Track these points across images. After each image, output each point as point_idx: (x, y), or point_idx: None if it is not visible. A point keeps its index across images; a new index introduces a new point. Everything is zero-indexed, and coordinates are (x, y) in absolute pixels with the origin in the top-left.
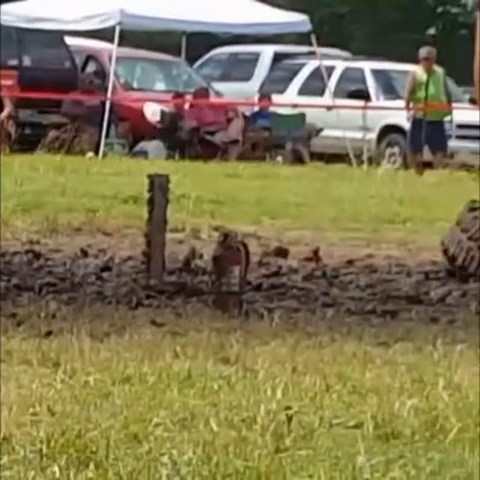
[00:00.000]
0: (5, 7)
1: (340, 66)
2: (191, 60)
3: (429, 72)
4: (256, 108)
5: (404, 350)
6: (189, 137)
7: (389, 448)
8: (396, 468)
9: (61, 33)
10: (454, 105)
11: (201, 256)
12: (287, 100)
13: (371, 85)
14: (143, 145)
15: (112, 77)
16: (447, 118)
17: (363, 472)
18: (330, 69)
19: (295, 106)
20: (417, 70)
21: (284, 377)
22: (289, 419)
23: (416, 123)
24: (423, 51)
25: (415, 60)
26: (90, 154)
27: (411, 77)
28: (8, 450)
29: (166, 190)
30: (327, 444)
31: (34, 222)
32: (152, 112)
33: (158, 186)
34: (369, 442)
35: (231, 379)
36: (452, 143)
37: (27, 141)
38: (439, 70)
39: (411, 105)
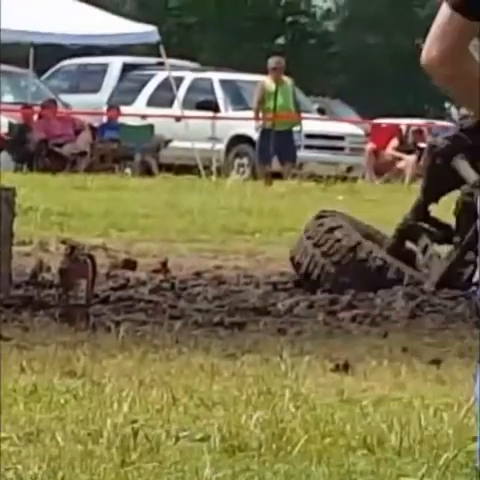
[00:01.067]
0: None
1: (189, 77)
2: (39, 72)
3: (278, 82)
4: (104, 119)
5: (252, 362)
6: (37, 149)
7: (236, 461)
8: None
9: None
10: (303, 115)
11: (48, 269)
12: (136, 111)
13: (220, 96)
14: None
15: None
16: (296, 128)
17: None
18: (179, 80)
19: (144, 117)
20: (266, 80)
21: (131, 390)
22: (135, 433)
23: (265, 133)
24: (272, 61)
25: (265, 70)
26: None
27: (260, 87)
28: None
29: (12, 203)
30: (173, 457)
31: None
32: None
33: (4, 199)
34: (215, 455)
35: (78, 393)
36: (301, 153)
37: None
38: (288, 80)
39: (260, 115)
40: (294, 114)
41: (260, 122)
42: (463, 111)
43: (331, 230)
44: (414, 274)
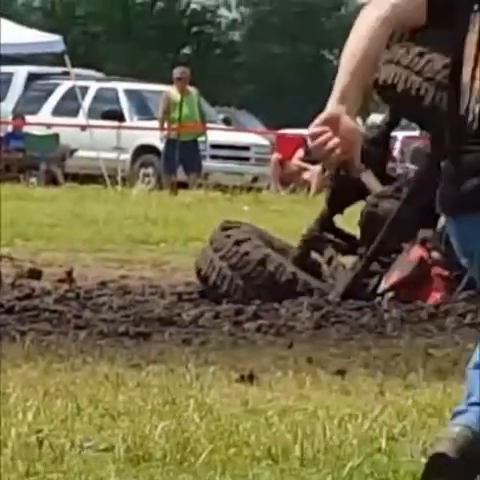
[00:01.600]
0: None
1: (94, 86)
2: None
3: (183, 92)
4: (10, 129)
5: (157, 372)
6: None
7: (140, 471)
8: None
9: None
10: (208, 125)
11: None
12: (41, 121)
13: (125, 105)
14: None
15: None
16: (201, 138)
17: None
18: (84, 89)
19: (49, 127)
20: (171, 90)
21: (36, 400)
22: (40, 442)
23: (170, 143)
24: (176, 71)
25: (170, 80)
26: None
27: (165, 97)
28: None
29: None
30: (78, 467)
31: None
32: None
33: None
34: (120, 465)
35: None
36: (207, 163)
37: None
38: (193, 90)
39: (165, 125)
40: (199, 124)
41: (165, 132)
42: (369, 122)
43: (238, 243)
44: (319, 285)
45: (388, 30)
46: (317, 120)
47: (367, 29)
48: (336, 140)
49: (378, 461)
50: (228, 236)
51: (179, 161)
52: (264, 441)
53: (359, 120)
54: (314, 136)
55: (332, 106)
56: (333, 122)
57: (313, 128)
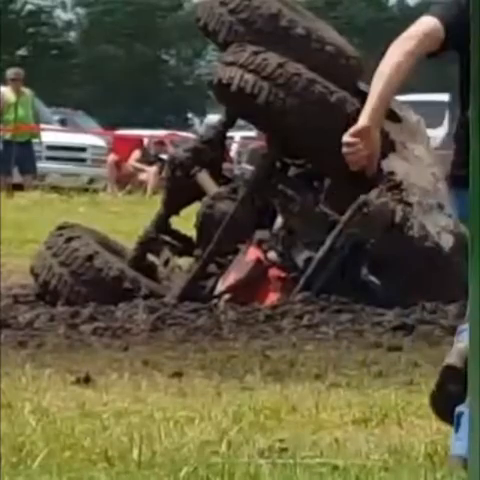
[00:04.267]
0: None
1: None
2: None
3: (17, 93)
4: None
5: None
6: None
7: None
8: None
9: None
10: (44, 126)
11: None
12: None
13: None
14: None
15: None
16: (35, 139)
17: None
18: None
19: None
20: (5, 91)
21: None
22: None
23: (6, 145)
24: (10, 72)
25: (6, 81)
26: None
27: None
28: None
29: None
30: None
31: None
32: None
33: None
34: None
35: None
36: (43, 164)
37: None
38: (27, 91)
39: (0, 126)
40: (34, 125)
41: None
42: (206, 122)
43: (69, 240)
44: (154, 287)
45: (413, 62)
46: (352, 130)
47: (397, 61)
48: (365, 151)
49: (215, 464)
50: (61, 235)
51: (14, 162)
52: (100, 443)
53: (197, 121)
54: (348, 145)
55: (364, 120)
56: (364, 133)
57: (348, 137)
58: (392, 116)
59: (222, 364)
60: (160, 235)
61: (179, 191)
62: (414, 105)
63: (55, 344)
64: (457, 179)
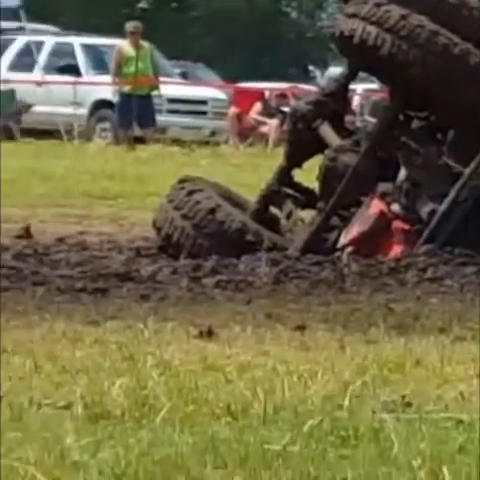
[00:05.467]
0: None
1: (50, 41)
2: None
3: (136, 46)
4: None
5: (115, 328)
6: None
7: (98, 428)
8: (106, 448)
9: None
10: (165, 79)
11: None
12: None
13: (81, 60)
14: None
15: None
16: (155, 93)
17: (72, 453)
18: (39, 45)
19: (5, 82)
20: (123, 44)
21: None
22: None
23: (124, 98)
24: (129, 25)
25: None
26: None
27: (117, 51)
28: None
29: None
30: (36, 426)
31: None
32: None
33: None
34: (78, 423)
35: None
36: (164, 118)
37: None
38: (146, 44)
39: (119, 80)
40: (153, 78)
41: (118, 87)
42: (329, 74)
43: (191, 193)
44: (277, 239)
45: None
46: None
47: None
48: None
49: (339, 418)
50: (182, 188)
51: (134, 116)
52: (223, 398)
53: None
54: None
55: None
56: None
57: None
58: None
59: (345, 317)
60: (282, 188)
61: (301, 144)
62: None
63: (178, 297)
64: None
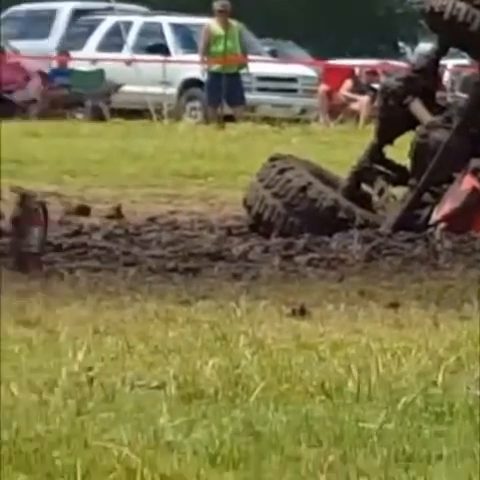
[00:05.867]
0: None
1: (138, 21)
2: None
3: (224, 25)
4: (55, 65)
5: (207, 308)
6: None
7: (192, 408)
8: (199, 428)
9: None
10: (255, 57)
11: (1, 217)
12: (86, 56)
13: (170, 39)
14: None
15: None
16: (243, 71)
17: (165, 434)
18: (128, 24)
19: (94, 62)
20: (211, 23)
21: (86, 338)
22: (90, 381)
23: (213, 77)
24: (217, 4)
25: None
26: None
27: (205, 30)
28: None
29: None
30: (129, 406)
31: None
32: None
33: None
34: (172, 403)
35: (32, 342)
36: (253, 96)
37: None
38: (234, 23)
39: (208, 59)
40: (241, 57)
41: (207, 66)
42: (419, 50)
43: (282, 171)
44: (369, 216)
45: None
46: None
47: None
48: None
49: (433, 395)
50: (273, 166)
51: (223, 94)
52: (317, 376)
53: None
54: None
55: None
56: None
57: None
58: None
59: (439, 294)
60: (374, 165)
61: (392, 120)
62: None
63: (270, 276)
64: None
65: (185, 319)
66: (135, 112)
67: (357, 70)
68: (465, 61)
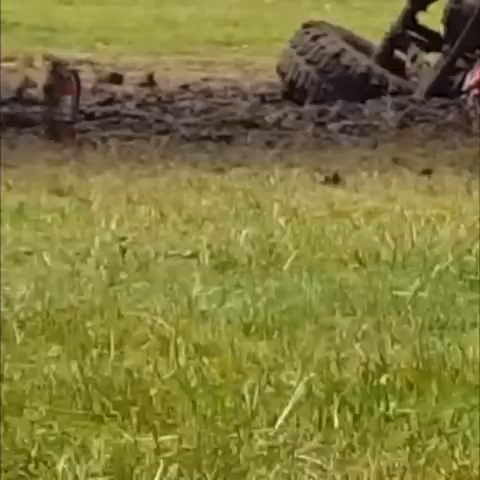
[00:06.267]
0: None
1: None
2: None
3: None
4: None
5: (240, 175)
6: None
7: (225, 278)
8: (233, 298)
9: None
10: None
11: (34, 85)
12: None
13: None
14: None
15: None
16: None
17: (199, 303)
18: None
19: None
20: None
21: (118, 208)
22: (123, 251)
23: None
24: None
25: None
26: None
27: None
28: None
29: None
30: (163, 275)
31: None
32: None
33: None
34: (205, 272)
35: (65, 211)
36: None
37: None
38: None
39: None
40: None
41: None
42: None
43: (315, 38)
44: (402, 83)
45: None
46: None
47: None
48: None
49: (467, 263)
50: (307, 33)
51: None
52: (351, 244)
53: None
54: None
55: None
56: None
57: None
58: None
59: (472, 160)
60: (407, 31)
61: None
62: None
63: (303, 143)
64: None
65: (218, 187)
66: None
67: None
68: None
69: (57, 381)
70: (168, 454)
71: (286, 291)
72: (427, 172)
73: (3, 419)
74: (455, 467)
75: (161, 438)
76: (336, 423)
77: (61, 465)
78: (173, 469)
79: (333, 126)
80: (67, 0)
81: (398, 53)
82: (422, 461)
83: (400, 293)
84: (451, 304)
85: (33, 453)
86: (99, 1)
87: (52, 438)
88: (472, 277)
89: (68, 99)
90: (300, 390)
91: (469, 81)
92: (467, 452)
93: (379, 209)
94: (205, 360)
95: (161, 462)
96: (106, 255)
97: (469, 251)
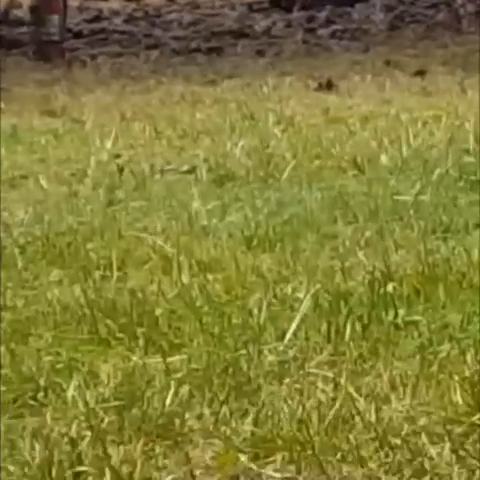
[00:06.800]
0: None
1: None
2: None
3: None
4: None
5: (233, 87)
6: None
7: (224, 191)
8: (233, 211)
9: None
10: None
11: (20, 6)
12: None
13: None
14: None
15: None
16: None
17: (199, 218)
18: None
19: None
20: None
21: (113, 126)
22: (121, 170)
23: None
24: None
25: None
26: None
27: None
28: None
29: None
30: (161, 193)
31: None
32: None
33: None
34: (203, 187)
35: (58, 132)
36: None
37: None
38: None
39: None
40: None
41: None
42: None
43: None
44: None
45: None
46: None
47: None
48: None
49: (466, 164)
50: None
51: None
52: (348, 150)
53: None
54: None
55: None
56: None
57: None
58: None
59: (464, 59)
60: None
61: None
62: None
63: (293, 51)
64: None
65: (212, 100)
66: None
67: None
68: None
69: (61, 306)
70: (178, 375)
71: (286, 202)
72: (420, 73)
73: (9, 348)
74: (467, 373)
75: (170, 359)
76: (347, 334)
77: (70, 392)
78: (184, 390)
79: (323, 32)
80: None
81: None
82: (434, 368)
83: (401, 198)
84: (453, 206)
85: (41, 381)
86: None
87: (60, 365)
88: (472, 178)
89: (55, 18)
90: (307, 303)
91: None
92: (479, 357)
93: (374, 113)
94: (209, 276)
95: (172, 384)
96: (103, 174)
97: (467, 151)
